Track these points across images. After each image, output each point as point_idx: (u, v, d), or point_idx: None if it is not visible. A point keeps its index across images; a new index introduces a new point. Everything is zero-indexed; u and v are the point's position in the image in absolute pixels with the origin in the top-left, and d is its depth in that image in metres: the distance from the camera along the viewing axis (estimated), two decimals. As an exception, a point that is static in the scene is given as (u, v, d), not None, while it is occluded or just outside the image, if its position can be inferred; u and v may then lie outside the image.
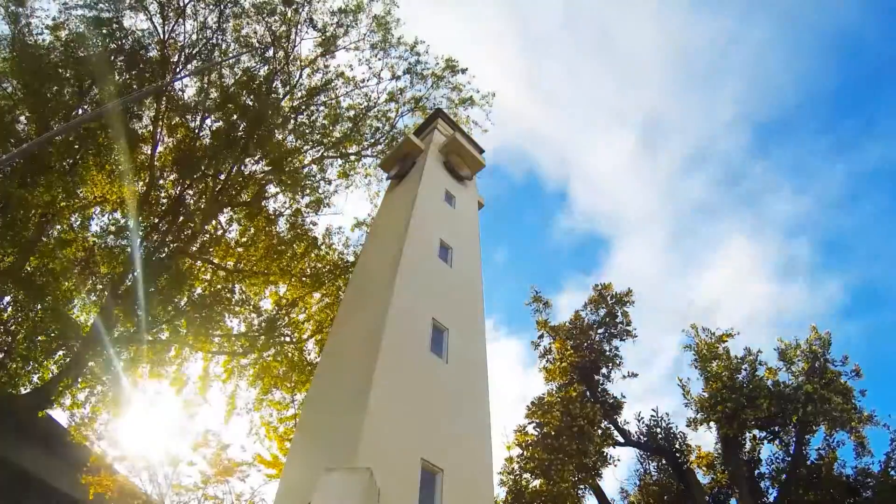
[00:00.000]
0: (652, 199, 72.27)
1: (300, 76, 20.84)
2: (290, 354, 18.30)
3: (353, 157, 21.78)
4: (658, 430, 18.19)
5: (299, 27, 20.33)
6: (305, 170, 20.58)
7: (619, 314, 19.56)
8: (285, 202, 20.07)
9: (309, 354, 18.42)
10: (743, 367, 17.19)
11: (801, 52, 68.28)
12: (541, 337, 20.10)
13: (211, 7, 18.64)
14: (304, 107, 20.89)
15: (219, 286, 18.24)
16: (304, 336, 18.67)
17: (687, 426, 17.39)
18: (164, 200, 18.01)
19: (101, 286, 16.93)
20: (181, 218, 17.47)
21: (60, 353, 15.74)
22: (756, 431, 17.39)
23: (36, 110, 15.22)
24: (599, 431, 17.25)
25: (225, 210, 18.99)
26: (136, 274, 15.98)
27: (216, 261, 18.60)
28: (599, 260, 77.58)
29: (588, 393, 18.57)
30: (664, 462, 18.77)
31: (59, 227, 17.13)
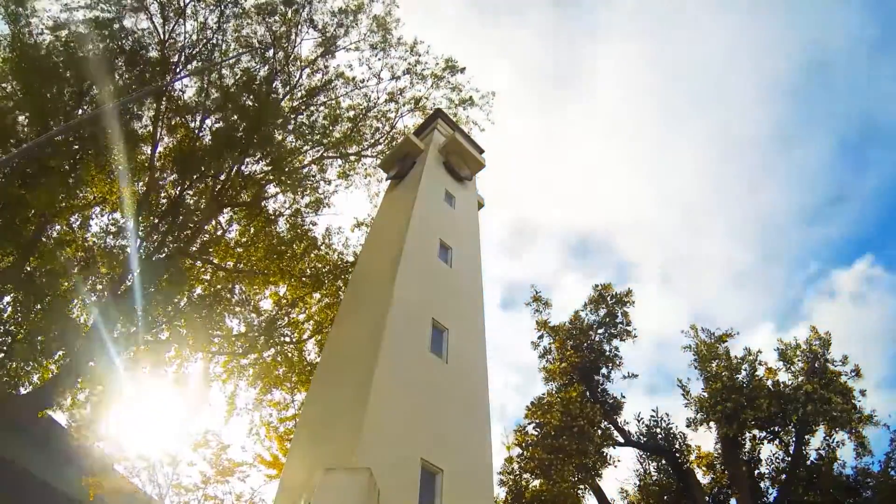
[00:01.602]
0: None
1: (300, 76, 20.86)
2: (290, 354, 18.29)
3: (352, 158, 21.78)
4: (658, 430, 18.19)
5: (299, 27, 20.35)
6: (305, 170, 20.57)
7: (619, 314, 19.57)
8: (285, 202, 20.08)
9: (309, 354, 18.42)
10: (743, 367, 17.20)
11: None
12: (541, 337, 20.12)
13: (211, 7, 18.65)
14: (304, 107, 20.89)
15: (219, 286, 18.23)
16: (304, 336, 18.66)
17: (687, 426, 17.42)
18: (164, 201, 17.99)
19: (101, 286, 16.91)
20: (181, 218, 17.45)
21: (60, 353, 15.73)
22: (756, 431, 17.39)
23: (36, 110, 15.20)
24: (599, 431, 17.25)
25: (225, 210, 18.99)
26: (135, 274, 15.97)
27: (216, 261, 18.57)
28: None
29: (588, 393, 18.57)
30: (664, 462, 18.76)
31: (59, 227, 17.13)
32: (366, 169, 21.82)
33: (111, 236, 16.89)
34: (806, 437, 16.47)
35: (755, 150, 69.85)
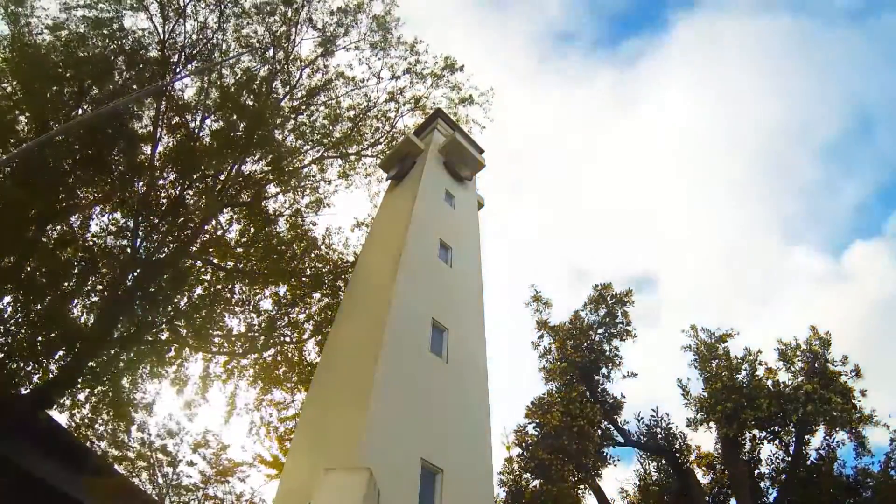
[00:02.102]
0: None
1: (300, 76, 20.84)
2: (290, 354, 18.29)
3: (353, 157, 21.77)
4: (658, 430, 18.19)
5: (299, 27, 20.34)
6: (305, 170, 20.58)
7: (619, 314, 19.56)
8: (285, 202, 20.08)
9: (309, 354, 18.41)
10: (743, 367, 17.19)
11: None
12: (540, 337, 20.11)
13: (211, 7, 18.64)
14: (303, 107, 20.88)
15: (219, 286, 18.23)
16: (304, 336, 18.66)
17: (687, 426, 17.41)
18: (164, 201, 17.98)
19: (101, 286, 16.91)
20: (181, 218, 17.45)
21: (60, 352, 15.73)
22: (756, 431, 17.39)
23: (36, 110, 15.18)
24: (599, 431, 17.26)
25: (225, 210, 18.99)
26: (136, 274, 15.96)
27: (216, 261, 18.57)
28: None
29: (588, 393, 18.56)
30: (664, 462, 18.77)
31: (59, 227, 17.11)
32: (366, 169, 21.81)
33: (111, 236, 16.87)
34: (806, 437, 16.47)
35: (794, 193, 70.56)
